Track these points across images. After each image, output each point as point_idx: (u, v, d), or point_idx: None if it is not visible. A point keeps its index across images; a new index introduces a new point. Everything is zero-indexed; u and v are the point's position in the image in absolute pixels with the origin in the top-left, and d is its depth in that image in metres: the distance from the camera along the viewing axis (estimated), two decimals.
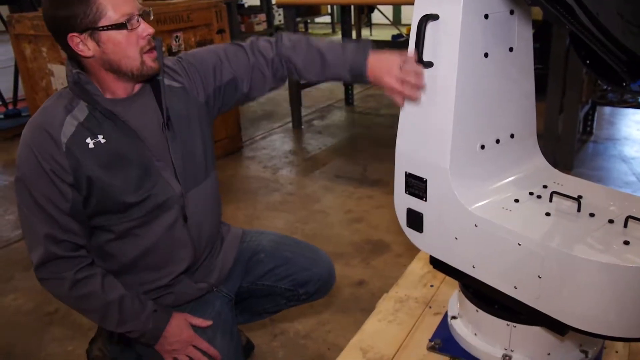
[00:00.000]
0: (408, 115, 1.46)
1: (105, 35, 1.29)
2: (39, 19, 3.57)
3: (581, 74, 2.98)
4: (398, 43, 6.16)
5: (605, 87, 3.35)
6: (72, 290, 1.39)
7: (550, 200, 1.36)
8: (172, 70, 1.49)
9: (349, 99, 5.00)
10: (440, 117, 1.36)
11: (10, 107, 5.07)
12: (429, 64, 1.35)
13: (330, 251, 2.50)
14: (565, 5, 1.12)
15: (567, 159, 3.17)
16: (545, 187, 1.45)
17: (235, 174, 3.41)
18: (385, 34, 7.87)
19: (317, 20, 10.56)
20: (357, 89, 5.18)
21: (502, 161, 1.47)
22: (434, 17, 1.32)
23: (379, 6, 5.59)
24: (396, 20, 9.25)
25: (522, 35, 1.44)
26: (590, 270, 1.12)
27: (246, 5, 8.84)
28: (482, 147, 1.42)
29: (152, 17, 1.37)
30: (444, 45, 1.32)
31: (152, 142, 1.41)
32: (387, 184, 3.16)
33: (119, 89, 1.39)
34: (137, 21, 1.32)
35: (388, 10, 8.30)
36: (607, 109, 4.10)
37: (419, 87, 1.35)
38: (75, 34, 1.28)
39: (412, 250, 2.48)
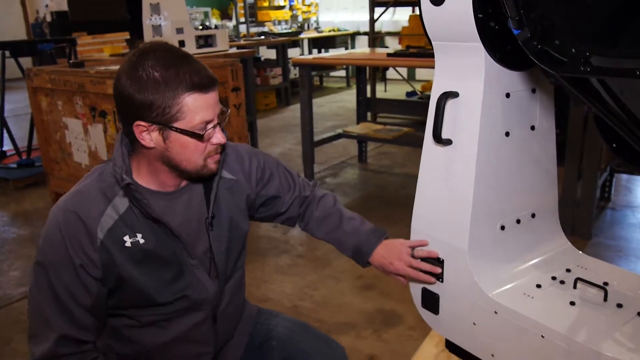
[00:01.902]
0: (424, 193, 1.41)
1: (175, 135, 1.18)
2: (57, 73, 3.63)
3: (600, 140, 2.93)
4: (412, 102, 6.19)
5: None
6: None
7: (575, 287, 1.30)
8: (228, 162, 1.41)
9: (362, 156, 4.98)
10: (458, 197, 1.31)
11: (24, 156, 5.09)
12: (448, 142, 1.31)
13: (340, 321, 2.45)
14: (590, 90, 1.08)
15: (586, 226, 3.09)
16: (568, 270, 1.39)
17: None
18: (399, 90, 7.94)
19: (332, 74, 10.72)
20: (370, 146, 5.17)
21: (522, 242, 1.42)
22: (454, 94, 1.29)
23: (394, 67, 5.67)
24: (410, 77, 9.34)
25: (544, 114, 1.41)
26: None
27: (262, 59, 9.00)
28: (502, 227, 1.37)
29: (227, 120, 1.29)
30: (464, 123, 1.29)
31: (191, 239, 1.32)
32: None
33: (169, 181, 1.29)
34: (213, 128, 1.22)
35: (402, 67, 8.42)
36: (625, 175, 4.03)
37: (433, 272, 1.37)
38: (143, 123, 1.17)
39: (426, 324, 2.39)
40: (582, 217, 3.10)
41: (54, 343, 1.22)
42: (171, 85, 1.13)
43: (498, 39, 1.22)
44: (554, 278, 1.35)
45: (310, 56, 4.47)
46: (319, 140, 4.38)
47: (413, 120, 6.08)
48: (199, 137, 1.19)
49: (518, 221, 1.40)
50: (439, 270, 1.37)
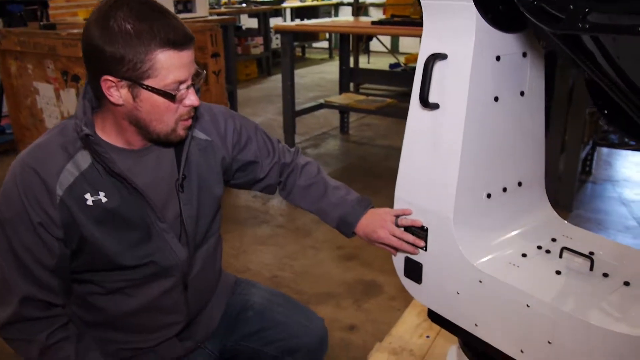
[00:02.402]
0: (409, 160, 1.36)
1: (146, 94, 1.11)
2: (27, 35, 3.49)
3: (584, 113, 2.92)
4: (395, 73, 6.12)
5: (607, 128, 3.31)
6: (42, 356, 1.21)
7: (560, 256, 1.28)
8: (202, 121, 1.34)
9: (344, 127, 4.92)
10: (444, 163, 1.27)
11: None
12: (435, 106, 1.26)
13: (320, 291, 2.43)
14: (585, 50, 1.03)
15: (567, 199, 3.09)
16: (554, 240, 1.37)
17: (223, 202, 3.30)
18: (382, 62, 7.85)
19: (315, 45, 10.56)
20: (352, 117, 5.11)
21: (508, 211, 1.39)
22: (442, 56, 1.24)
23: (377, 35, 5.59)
24: (394, 49, 9.25)
25: (534, 79, 1.37)
26: (606, 340, 1.04)
27: (244, 28, 8.81)
28: (489, 195, 1.33)
29: (202, 81, 1.21)
30: (452, 86, 1.24)
31: (160, 201, 1.25)
32: None
33: (136, 141, 1.21)
34: (187, 89, 1.15)
35: (386, 38, 8.31)
36: (605, 149, 4.04)
37: (415, 243, 1.34)
38: (112, 78, 1.09)
39: (407, 294, 2.37)
40: (564, 190, 3.10)
41: (18, 305, 1.17)
42: (144, 40, 1.05)
43: None
44: (539, 247, 1.33)
45: (293, 23, 4.36)
46: (300, 110, 4.31)
47: (396, 91, 6.01)
48: (170, 97, 1.12)
49: (504, 189, 1.37)
50: (422, 243, 1.33)
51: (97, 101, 1.19)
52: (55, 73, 3.37)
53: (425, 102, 1.25)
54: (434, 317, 1.40)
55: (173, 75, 1.10)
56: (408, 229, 1.36)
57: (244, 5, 8.36)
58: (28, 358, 1.23)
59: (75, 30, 3.37)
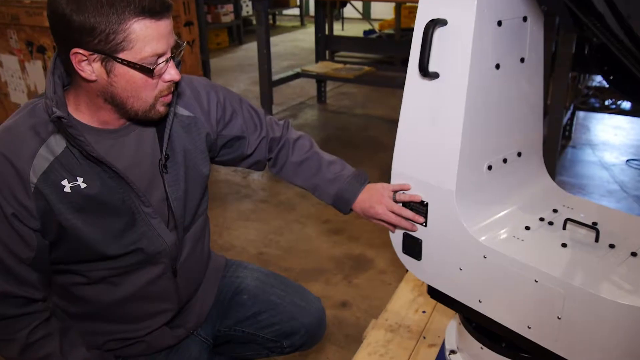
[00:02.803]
0: (407, 132, 1.31)
1: (121, 68, 1.01)
2: None
3: (567, 77, 2.89)
4: (372, 40, 6.02)
5: (586, 92, 3.29)
6: (23, 354, 1.14)
7: (564, 228, 1.25)
8: (183, 97, 1.25)
9: (321, 96, 4.83)
10: (445, 135, 1.22)
11: None
12: (435, 75, 1.20)
13: (309, 267, 2.38)
14: (595, 12, 0.98)
15: (550, 165, 3.08)
16: (555, 211, 1.34)
17: None
18: (356, 29, 7.73)
19: (285, 12, 10.35)
20: (329, 86, 5.02)
21: (508, 183, 1.35)
22: (442, 22, 1.17)
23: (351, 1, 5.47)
24: (366, 15, 9.11)
25: (534, 45, 1.32)
26: (618, 313, 1.01)
27: None
28: (490, 167, 1.29)
29: (181, 55, 1.10)
30: (453, 54, 1.18)
31: (143, 185, 1.16)
32: None
33: (113, 120, 1.11)
34: (166, 62, 1.05)
35: (358, 4, 8.18)
36: (581, 113, 4.04)
37: (414, 219, 1.29)
38: (82, 51, 0.98)
39: (397, 267, 2.36)
40: (547, 156, 3.08)
41: None
42: (116, 7, 0.95)
43: None
44: (541, 219, 1.29)
45: None
46: (277, 79, 4.19)
47: (371, 59, 5.93)
48: (148, 71, 1.02)
49: (505, 160, 1.33)
50: (421, 219, 1.28)
51: (69, 77, 1.09)
52: (19, 44, 3.20)
53: (425, 72, 1.19)
54: (434, 293, 1.37)
55: (150, 48, 1.00)
56: (407, 204, 1.30)
57: None
58: (9, 357, 1.16)
59: None
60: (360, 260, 2.41)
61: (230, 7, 7.92)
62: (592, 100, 3.35)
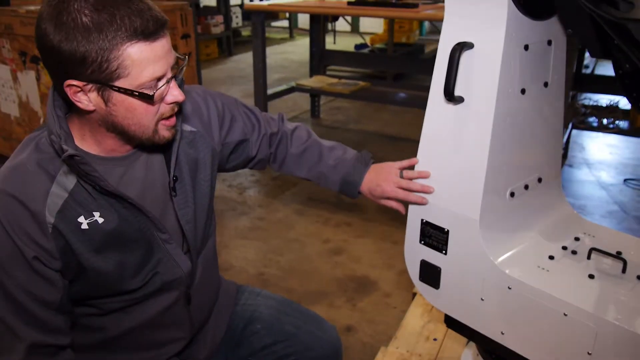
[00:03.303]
0: (429, 157, 1.27)
1: (119, 96, 0.94)
2: None
3: (568, 97, 2.88)
4: (364, 55, 6.01)
5: (584, 110, 3.29)
6: None
7: (589, 258, 1.21)
8: (185, 113, 1.19)
9: (314, 110, 4.79)
10: (470, 161, 1.18)
11: None
12: (460, 99, 1.17)
13: (311, 289, 2.32)
14: (632, 39, 0.96)
15: None
16: (577, 239, 1.31)
17: None
18: (347, 42, 7.72)
19: (274, 24, 10.33)
20: (323, 100, 4.98)
21: (530, 209, 1.32)
22: (469, 45, 1.14)
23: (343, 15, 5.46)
24: (355, 28, 9.13)
25: (557, 69, 1.29)
26: None
27: (201, 5, 8.50)
28: (512, 194, 1.26)
29: (183, 72, 1.04)
30: (479, 78, 1.15)
31: (157, 210, 1.11)
32: (364, 210, 2.96)
33: (118, 147, 1.05)
34: (167, 84, 0.97)
35: (348, 17, 8.19)
36: (574, 131, 4.05)
37: (425, 191, 1.26)
38: (76, 82, 0.92)
39: (401, 290, 2.32)
40: None
41: (25, 355, 1.02)
42: (106, 33, 0.88)
43: None
44: (564, 248, 1.26)
45: (265, 2, 4.18)
46: (272, 93, 4.15)
47: (362, 73, 5.92)
48: (148, 97, 0.95)
49: (526, 187, 1.30)
50: (431, 189, 1.25)
51: (68, 107, 1.02)
52: (11, 53, 3.12)
53: (450, 96, 1.15)
54: (452, 323, 1.33)
55: (148, 72, 0.93)
56: (427, 234, 1.26)
57: None
58: None
59: (32, 7, 3.12)
60: (363, 282, 2.35)
61: (220, 19, 7.88)
62: (590, 119, 3.35)
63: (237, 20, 8.48)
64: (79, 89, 0.93)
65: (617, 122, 3.53)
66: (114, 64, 0.90)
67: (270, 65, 7.00)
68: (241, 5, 8.91)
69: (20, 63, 3.09)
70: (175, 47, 3.13)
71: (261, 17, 3.73)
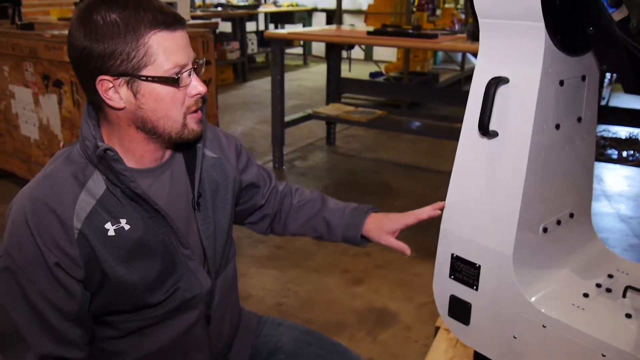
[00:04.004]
0: (461, 191, 1.25)
1: (147, 87, 1.00)
2: (4, 35, 3.30)
3: None
4: (380, 83, 6.04)
5: (603, 143, 3.27)
6: None
7: (624, 296, 1.19)
8: (207, 139, 1.23)
9: (330, 138, 4.80)
10: (504, 196, 1.17)
11: None
12: (494, 134, 1.16)
13: (330, 320, 2.29)
14: None
15: None
16: (610, 276, 1.28)
17: None
18: (361, 70, 7.78)
19: (289, 51, 10.44)
20: (338, 128, 5.00)
21: (562, 245, 1.30)
22: (504, 80, 1.14)
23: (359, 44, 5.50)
24: (369, 56, 9.20)
25: (590, 104, 1.29)
26: None
27: (218, 32, 8.62)
28: (545, 230, 1.24)
29: (203, 70, 1.10)
30: (514, 113, 1.14)
31: (181, 225, 1.13)
32: None
33: (148, 154, 1.09)
34: (189, 76, 1.04)
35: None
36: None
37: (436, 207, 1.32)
38: (107, 78, 0.98)
39: (422, 323, 2.28)
40: None
41: None
42: (132, 25, 0.96)
43: (560, 18, 1.08)
44: (598, 285, 1.24)
45: (284, 31, 4.23)
46: (289, 121, 4.16)
47: (377, 101, 5.94)
48: (173, 81, 1.00)
49: (559, 222, 1.28)
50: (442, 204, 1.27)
51: (97, 116, 1.07)
52: (34, 77, 3.16)
53: (485, 130, 1.14)
54: None
55: (172, 59, 0.99)
56: (458, 269, 1.25)
57: (220, 9, 8.19)
58: None
59: (56, 32, 3.17)
60: (383, 314, 2.32)
61: (236, 45, 7.98)
62: (609, 151, 3.33)
63: (252, 46, 8.58)
64: (111, 85, 0.99)
65: (637, 154, 3.50)
66: (140, 52, 0.97)
67: (285, 92, 7.07)
68: (257, 32, 9.02)
69: (43, 87, 3.13)
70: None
71: (280, 45, 3.77)
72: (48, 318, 1.02)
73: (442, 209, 1.27)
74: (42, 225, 0.99)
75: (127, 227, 1.04)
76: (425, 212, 1.28)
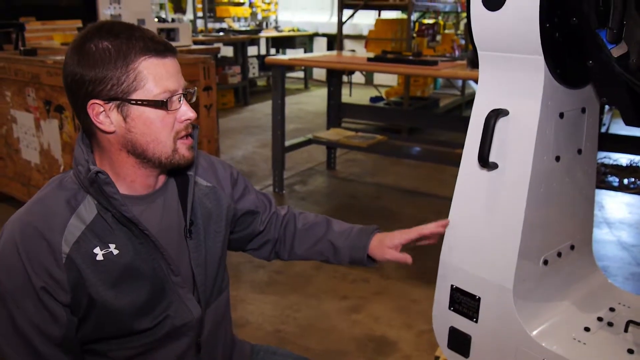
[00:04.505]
0: (460, 222, 1.25)
1: (136, 110, 1.02)
2: (7, 61, 3.29)
3: None
4: (381, 108, 6.06)
5: (603, 170, 3.27)
6: None
7: (626, 331, 1.18)
8: (201, 169, 1.25)
9: (330, 162, 4.80)
10: (504, 228, 1.17)
11: None
12: (494, 166, 1.16)
13: (329, 348, 2.26)
14: None
15: None
16: (612, 310, 1.27)
17: None
18: (361, 95, 7.81)
19: (289, 75, 10.50)
20: (338, 152, 5.00)
21: (563, 278, 1.29)
22: (504, 112, 1.14)
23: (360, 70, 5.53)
24: (369, 80, 9.26)
25: (590, 136, 1.29)
26: None
27: (219, 56, 8.68)
28: (545, 262, 1.23)
29: (194, 99, 1.12)
30: (514, 145, 1.14)
31: (172, 252, 1.13)
32: (381, 266, 2.92)
33: (139, 179, 1.10)
34: (179, 101, 1.06)
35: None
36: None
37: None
38: (98, 102, 1.01)
39: (421, 352, 2.26)
40: None
41: None
42: (123, 52, 1.00)
43: (560, 52, 1.08)
44: (599, 319, 1.23)
45: (286, 57, 4.27)
46: (289, 145, 4.17)
47: (376, 125, 5.96)
48: (162, 104, 1.02)
49: (559, 254, 1.27)
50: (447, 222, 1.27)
51: (90, 142, 1.09)
52: (36, 102, 3.17)
53: (485, 162, 1.14)
54: None
55: (161, 85, 1.02)
56: (457, 300, 1.24)
57: (221, 34, 8.26)
58: None
59: (59, 57, 3.19)
60: (382, 342, 2.29)
61: (237, 69, 8.02)
62: (610, 178, 3.32)
63: (253, 70, 8.62)
64: (101, 109, 1.01)
65: (638, 182, 3.50)
66: (131, 76, 1.00)
67: (286, 116, 7.07)
68: (258, 56, 9.09)
69: (45, 112, 3.14)
70: (197, 99, 3.19)
71: (281, 71, 3.79)
72: (34, 344, 1.01)
73: (446, 226, 1.26)
74: (31, 249, 1.00)
75: (115, 252, 1.04)
76: (428, 228, 1.27)
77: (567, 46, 1.08)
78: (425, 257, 1.23)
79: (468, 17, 1.15)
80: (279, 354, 1.43)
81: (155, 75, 1.02)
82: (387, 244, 1.30)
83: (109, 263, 1.03)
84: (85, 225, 1.03)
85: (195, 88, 1.14)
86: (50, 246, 1.00)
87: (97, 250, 1.03)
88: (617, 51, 0.90)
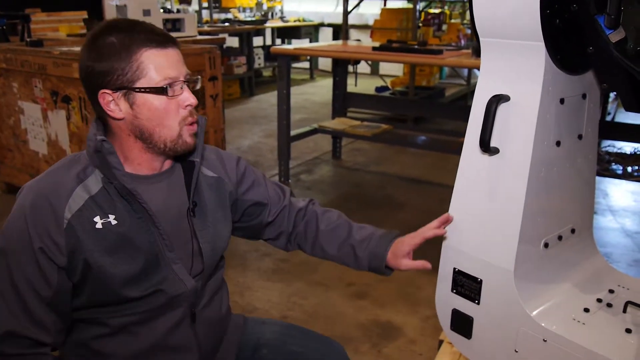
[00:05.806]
0: (463, 207, 1.28)
1: (140, 97, 1.12)
2: (13, 52, 3.32)
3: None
4: (386, 98, 6.07)
5: (607, 158, 3.28)
6: None
7: (624, 311, 1.20)
8: (208, 161, 1.32)
9: (336, 152, 4.83)
10: (505, 212, 1.19)
11: None
12: (495, 151, 1.18)
13: (335, 334, 2.29)
14: None
15: None
16: (611, 291, 1.30)
17: None
18: (367, 84, 7.81)
19: (295, 65, 10.49)
20: (344, 142, 5.02)
21: (563, 261, 1.32)
22: (505, 98, 1.16)
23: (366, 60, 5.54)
24: (375, 70, 9.25)
25: (591, 122, 1.31)
26: None
27: (224, 47, 8.68)
28: (546, 245, 1.26)
29: (198, 86, 1.20)
30: (515, 130, 1.17)
31: (169, 231, 1.19)
32: None
33: (145, 162, 1.19)
34: (181, 88, 1.15)
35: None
36: (597, 178, 4.02)
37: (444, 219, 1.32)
38: (107, 91, 1.11)
39: (426, 337, 2.29)
40: None
41: None
42: (126, 45, 1.10)
43: (560, 38, 1.10)
44: (599, 300, 1.25)
45: (291, 46, 4.28)
46: (295, 135, 4.20)
47: (382, 115, 5.97)
48: (162, 91, 1.12)
49: (560, 238, 1.30)
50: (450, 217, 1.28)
51: (104, 127, 1.19)
52: (43, 93, 3.21)
53: (486, 147, 1.16)
54: None
55: (163, 73, 1.11)
56: (460, 283, 1.27)
57: (227, 24, 8.27)
58: None
59: (65, 48, 3.21)
60: (387, 327, 2.33)
61: (243, 59, 8.03)
62: (614, 166, 3.33)
63: (259, 61, 8.63)
64: (111, 99, 1.12)
65: None
66: (134, 66, 1.10)
67: (292, 106, 7.08)
68: (264, 47, 9.09)
69: (52, 102, 3.17)
70: (203, 89, 3.20)
71: (287, 61, 3.81)
72: (24, 296, 1.10)
73: (447, 222, 1.29)
74: (36, 212, 1.09)
75: (114, 222, 1.13)
76: (430, 230, 1.29)
77: (568, 32, 1.10)
78: (429, 243, 1.26)
79: (470, 3, 1.17)
80: (268, 323, 1.49)
81: (156, 65, 1.11)
82: (400, 254, 1.32)
83: (106, 232, 1.12)
84: (89, 196, 1.12)
85: (199, 76, 1.21)
86: (54, 211, 1.09)
87: (97, 219, 1.12)
88: (615, 37, 0.92)
